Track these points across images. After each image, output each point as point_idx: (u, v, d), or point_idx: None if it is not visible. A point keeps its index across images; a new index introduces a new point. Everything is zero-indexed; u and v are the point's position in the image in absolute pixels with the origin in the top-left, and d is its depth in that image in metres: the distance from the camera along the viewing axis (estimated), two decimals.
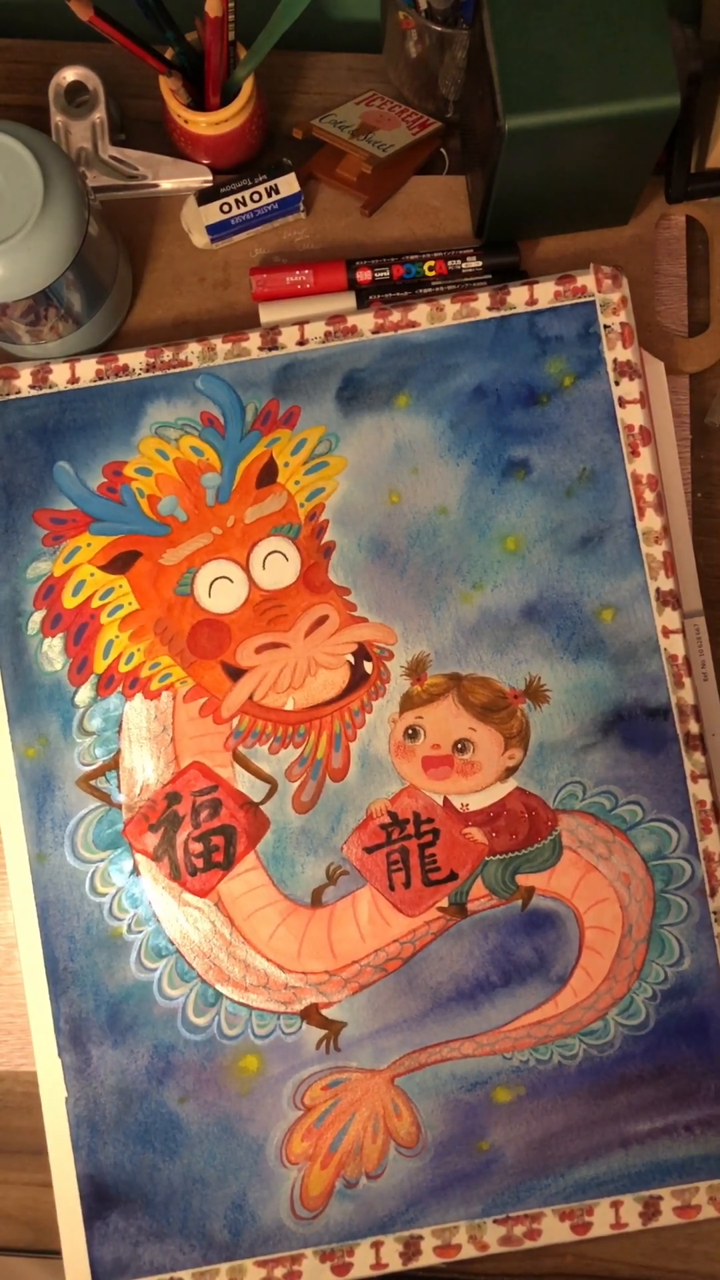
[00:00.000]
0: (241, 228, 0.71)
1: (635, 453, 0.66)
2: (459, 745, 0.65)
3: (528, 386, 0.66)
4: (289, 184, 0.70)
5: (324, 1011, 0.64)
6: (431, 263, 0.70)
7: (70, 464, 0.66)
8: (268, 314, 0.70)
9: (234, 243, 0.72)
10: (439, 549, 0.66)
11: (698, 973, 0.63)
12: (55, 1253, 0.64)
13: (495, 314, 0.66)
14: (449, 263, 0.70)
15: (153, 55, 0.65)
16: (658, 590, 0.65)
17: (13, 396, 0.67)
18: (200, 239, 0.71)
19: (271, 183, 0.70)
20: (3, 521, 0.66)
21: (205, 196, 0.70)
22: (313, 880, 0.64)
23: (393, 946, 0.64)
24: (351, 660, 0.65)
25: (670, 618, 0.65)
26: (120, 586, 0.66)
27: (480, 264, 0.70)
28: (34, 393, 0.67)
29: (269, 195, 0.70)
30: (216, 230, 0.70)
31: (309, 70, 0.75)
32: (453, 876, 0.64)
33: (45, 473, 0.66)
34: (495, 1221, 0.62)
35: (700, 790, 0.64)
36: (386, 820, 0.64)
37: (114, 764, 0.65)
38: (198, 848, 0.64)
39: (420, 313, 0.67)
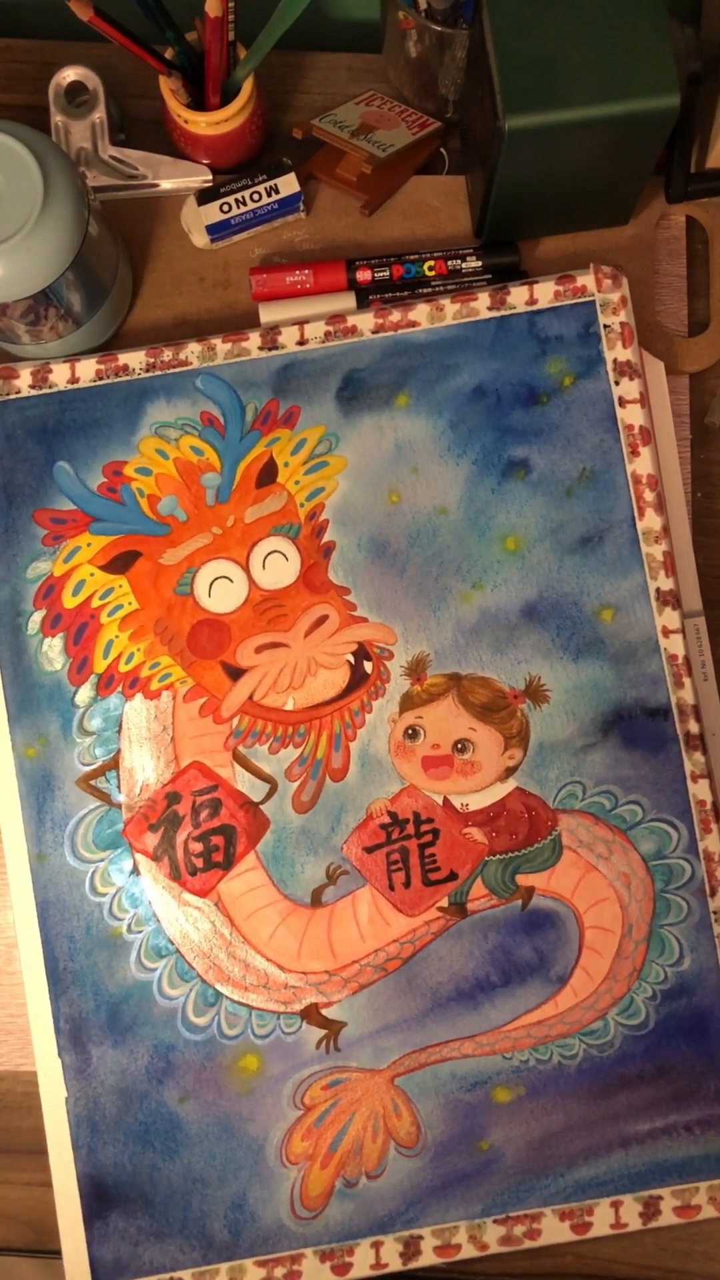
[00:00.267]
0: (241, 228, 0.71)
1: (635, 453, 0.66)
2: (459, 745, 0.65)
3: (528, 386, 0.66)
4: (289, 184, 0.70)
5: (324, 1011, 0.64)
6: (431, 263, 0.70)
7: (70, 464, 0.66)
8: (268, 314, 0.70)
9: (234, 243, 0.72)
10: (439, 549, 0.66)
11: (698, 973, 0.63)
12: (55, 1253, 0.64)
13: (495, 314, 0.66)
14: (449, 263, 0.70)
15: (153, 55, 0.65)
16: (658, 590, 0.65)
17: (13, 396, 0.67)
18: (200, 239, 0.71)
19: (271, 183, 0.70)
20: (3, 521, 0.66)
21: (205, 196, 0.70)
22: (313, 880, 0.64)
23: (393, 946, 0.64)
24: (351, 660, 0.65)
25: (670, 618, 0.65)
26: (120, 586, 0.66)
27: (480, 264, 0.70)
28: (34, 393, 0.67)
29: (269, 195, 0.70)
30: (216, 230, 0.70)
31: (309, 70, 0.75)
32: (453, 876, 0.64)
33: (45, 473, 0.66)
34: (495, 1221, 0.62)
35: (700, 790, 0.64)
36: (386, 820, 0.64)
37: (114, 764, 0.65)
38: (198, 847, 0.64)
39: (420, 313, 0.67)
